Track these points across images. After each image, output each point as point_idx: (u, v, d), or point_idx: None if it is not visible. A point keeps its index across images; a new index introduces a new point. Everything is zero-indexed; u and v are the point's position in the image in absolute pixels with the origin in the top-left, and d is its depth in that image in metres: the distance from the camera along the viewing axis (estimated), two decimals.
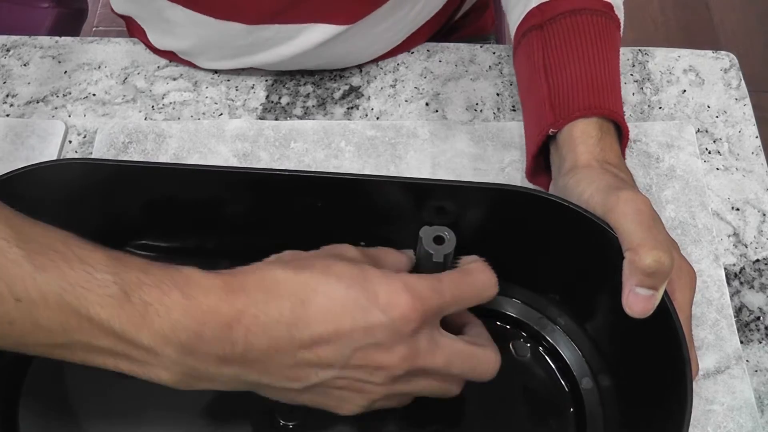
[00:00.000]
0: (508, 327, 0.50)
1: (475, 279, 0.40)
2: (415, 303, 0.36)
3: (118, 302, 0.34)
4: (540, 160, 0.53)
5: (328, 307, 0.36)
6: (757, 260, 0.56)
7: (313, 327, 0.36)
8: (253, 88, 0.64)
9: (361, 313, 0.36)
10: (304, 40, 0.59)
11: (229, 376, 0.36)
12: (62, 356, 0.36)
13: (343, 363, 0.37)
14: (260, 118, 0.62)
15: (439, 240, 0.43)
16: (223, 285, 0.36)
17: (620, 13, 0.56)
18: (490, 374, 0.41)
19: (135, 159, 0.58)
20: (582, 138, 0.49)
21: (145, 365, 0.36)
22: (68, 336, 0.35)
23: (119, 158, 0.58)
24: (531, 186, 0.55)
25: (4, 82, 0.64)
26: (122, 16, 0.68)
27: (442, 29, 0.71)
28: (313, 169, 0.58)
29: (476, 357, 0.40)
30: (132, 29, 0.68)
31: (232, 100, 0.63)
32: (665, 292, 0.40)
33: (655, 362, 0.42)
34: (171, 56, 0.65)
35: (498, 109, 0.63)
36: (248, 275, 0.37)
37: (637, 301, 0.40)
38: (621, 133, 0.51)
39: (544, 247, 0.46)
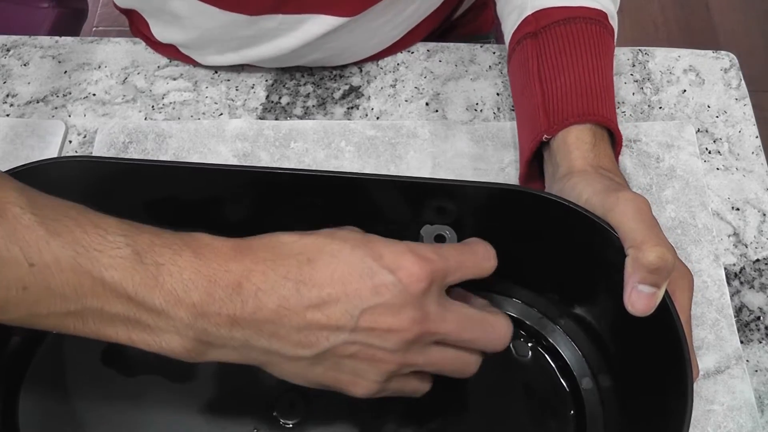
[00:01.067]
0: None
1: (475, 249, 0.40)
2: (422, 263, 0.37)
3: (131, 263, 0.35)
4: (533, 167, 0.54)
5: (335, 266, 0.36)
6: (757, 260, 0.56)
7: (321, 286, 0.36)
8: (253, 88, 0.64)
9: (368, 272, 0.36)
10: (305, 31, 0.59)
11: (240, 340, 0.36)
12: (75, 328, 0.36)
13: (352, 325, 0.36)
14: (260, 118, 0.62)
15: (440, 239, 0.43)
16: (233, 245, 0.36)
17: (614, 22, 0.56)
18: (504, 341, 0.40)
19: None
20: (576, 144, 0.49)
21: (157, 332, 0.36)
22: (81, 302, 0.35)
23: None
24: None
25: (4, 82, 0.64)
26: (125, 11, 0.68)
27: (442, 26, 0.71)
28: (313, 169, 0.58)
29: (488, 322, 0.40)
30: (135, 23, 0.68)
31: (232, 100, 0.63)
32: (666, 292, 0.40)
33: (655, 362, 0.42)
34: (172, 51, 0.65)
35: (498, 108, 0.63)
36: (256, 239, 0.37)
37: (640, 298, 0.40)
38: (614, 140, 0.51)
39: (545, 246, 0.46)
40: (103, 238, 0.35)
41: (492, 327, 0.40)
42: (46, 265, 0.34)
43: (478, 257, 0.40)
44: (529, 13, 0.55)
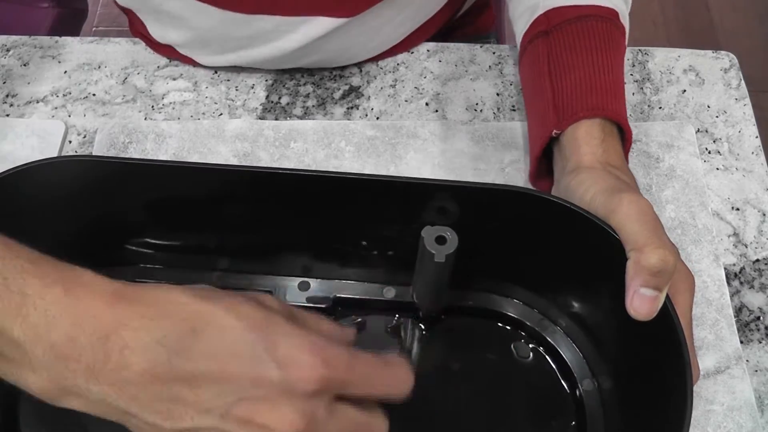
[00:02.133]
0: (509, 328, 0.50)
1: (394, 371, 0.36)
2: (319, 366, 0.32)
3: None
4: (543, 163, 0.54)
5: (219, 345, 0.32)
6: (757, 260, 0.56)
7: (197, 361, 0.32)
8: (253, 88, 0.64)
9: (253, 359, 0.32)
10: (304, 33, 0.59)
11: (98, 395, 0.33)
12: None
13: (223, 411, 0.32)
14: (260, 118, 0.62)
15: (441, 240, 0.43)
16: (113, 291, 0.33)
17: (626, 21, 0.56)
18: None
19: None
20: (585, 139, 0.49)
21: (15, 365, 0.33)
22: None
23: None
24: (531, 186, 0.55)
25: (4, 82, 0.64)
26: (124, 10, 0.68)
27: (443, 29, 0.71)
28: (313, 169, 0.58)
29: (375, 424, 0.36)
30: (133, 24, 0.68)
31: (232, 100, 0.63)
32: (666, 294, 0.40)
33: (655, 364, 0.42)
34: (171, 52, 0.65)
35: (498, 109, 0.63)
36: (147, 289, 0.33)
37: (643, 302, 0.39)
38: (624, 137, 0.51)
39: (545, 248, 0.46)
40: None
41: (380, 425, 0.37)
42: None
43: (392, 380, 0.36)
44: (540, 12, 0.55)
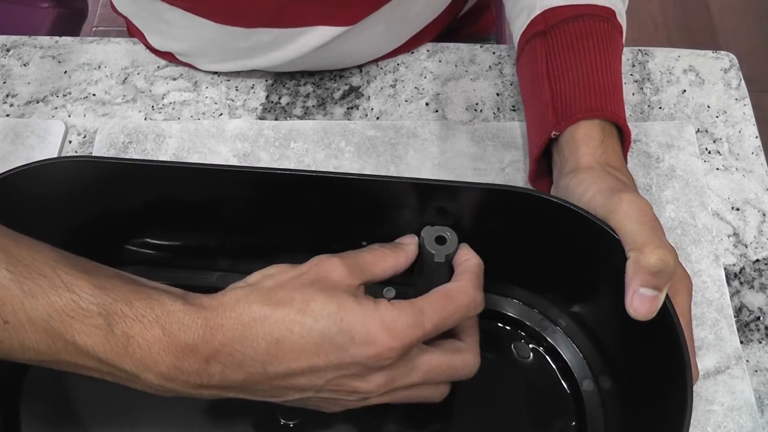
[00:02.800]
0: (508, 328, 0.50)
1: (459, 303, 0.40)
2: (393, 343, 0.37)
3: (102, 332, 0.36)
4: (542, 164, 0.53)
5: (303, 346, 0.37)
6: (757, 260, 0.56)
7: (287, 363, 0.37)
8: (253, 88, 0.64)
9: (335, 352, 0.37)
10: (303, 43, 0.59)
11: (208, 395, 0.39)
12: (49, 366, 0.38)
13: (317, 389, 0.39)
14: (260, 118, 0.62)
15: (440, 240, 0.43)
16: (202, 323, 0.37)
17: (623, 20, 0.56)
18: (469, 376, 0.42)
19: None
20: (584, 140, 0.49)
21: (129, 382, 0.38)
22: (55, 356, 0.37)
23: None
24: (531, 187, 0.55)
25: (4, 82, 0.64)
26: (122, 16, 0.68)
27: (443, 31, 0.71)
28: (313, 169, 0.58)
29: (454, 366, 0.41)
30: (131, 30, 0.68)
31: (232, 100, 0.63)
32: (666, 295, 0.40)
33: (655, 365, 0.42)
34: (170, 57, 0.65)
35: (498, 109, 0.63)
36: (227, 311, 0.37)
37: (642, 302, 0.39)
38: (623, 137, 0.51)
39: (545, 248, 0.46)
40: (76, 304, 0.36)
41: (457, 369, 0.41)
42: (20, 324, 0.36)
43: (461, 313, 0.40)
44: (538, 12, 0.55)
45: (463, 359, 0.42)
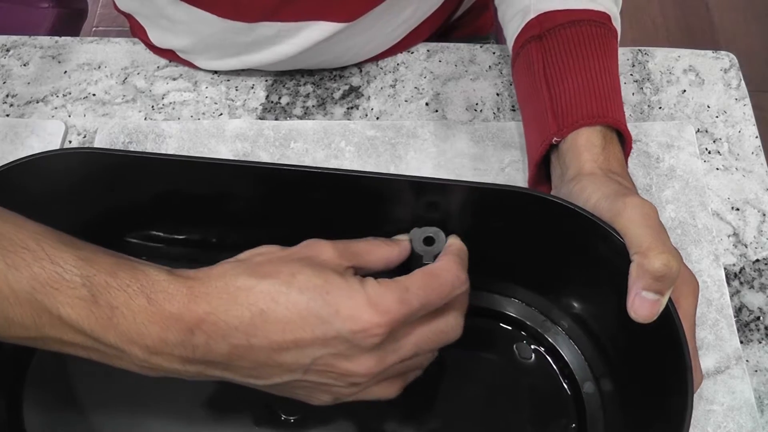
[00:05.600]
0: (510, 328, 0.50)
1: (444, 281, 0.40)
2: (380, 319, 0.37)
3: (87, 304, 0.36)
4: (541, 169, 0.53)
5: (288, 318, 0.36)
6: (757, 260, 0.56)
7: (271, 336, 0.36)
8: (253, 88, 0.64)
9: (320, 326, 0.36)
10: (304, 38, 0.59)
11: (194, 372, 0.38)
12: (38, 346, 0.38)
13: (304, 368, 0.38)
14: (260, 118, 0.62)
15: (428, 241, 0.43)
16: (187, 292, 0.37)
17: (617, 24, 0.56)
18: (456, 337, 0.42)
19: None
20: (586, 146, 0.49)
21: (114, 359, 0.37)
22: (40, 331, 0.36)
23: None
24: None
25: (4, 82, 0.64)
26: (124, 14, 0.68)
27: (441, 28, 0.71)
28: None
29: (440, 331, 0.41)
30: (134, 28, 0.68)
31: (232, 100, 0.63)
32: (669, 298, 0.40)
33: (657, 368, 0.42)
34: (171, 56, 0.65)
35: (498, 109, 0.63)
36: (213, 281, 0.37)
37: (643, 305, 0.39)
38: (624, 141, 0.51)
39: (546, 248, 0.46)
40: (60, 276, 0.36)
41: (445, 335, 0.41)
42: (4, 297, 0.35)
43: (446, 290, 0.40)
44: (532, 16, 0.55)
45: (446, 321, 0.41)
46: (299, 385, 0.39)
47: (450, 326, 0.41)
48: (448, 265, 0.41)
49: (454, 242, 0.43)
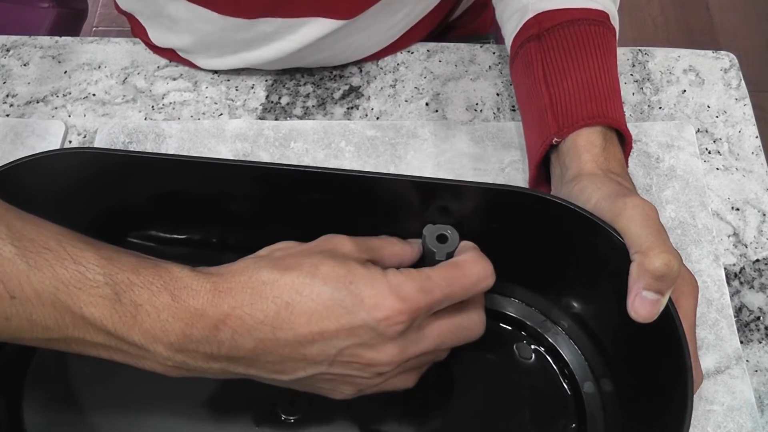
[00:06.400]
0: (510, 328, 0.50)
1: (468, 272, 0.40)
2: (402, 306, 0.37)
3: (110, 302, 0.36)
4: (541, 170, 0.53)
5: (313, 309, 0.36)
6: (757, 260, 0.56)
7: (297, 328, 0.36)
8: (253, 88, 0.64)
9: (345, 315, 0.36)
10: (304, 34, 0.59)
11: (218, 369, 0.38)
12: (59, 348, 0.37)
13: (330, 360, 0.38)
14: (260, 118, 0.62)
15: (442, 238, 0.43)
16: (211, 287, 0.36)
17: (616, 23, 0.56)
18: (479, 335, 0.42)
19: None
20: (587, 147, 0.49)
21: (138, 358, 0.37)
22: (63, 332, 0.36)
23: None
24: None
25: (4, 82, 0.64)
26: (125, 14, 0.68)
27: (440, 26, 0.71)
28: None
29: (463, 327, 0.41)
30: (134, 28, 0.68)
31: (232, 100, 0.63)
32: (669, 298, 0.40)
33: (657, 368, 0.42)
34: (171, 55, 0.65)
35: (498, 109, 0.63)
36: (236, 276, 0.37)
37: (643, 305, 0.39)
38: (624, 141, 0.51)
39: (546, 248, 0.46)
40: (83, 275, 0.36)
41: (467, 330, 0.41)
42: (27, 299, 0.35)
43: (471, 282, 0.40)
44: (531, 16, 0.55)
45: (469, 317, 0.41)
46: (323, 378, 0.39)
47: (474, 323, 0.41)
48: (473, 257, 0.41)
49: (470, 243, 0.43)
